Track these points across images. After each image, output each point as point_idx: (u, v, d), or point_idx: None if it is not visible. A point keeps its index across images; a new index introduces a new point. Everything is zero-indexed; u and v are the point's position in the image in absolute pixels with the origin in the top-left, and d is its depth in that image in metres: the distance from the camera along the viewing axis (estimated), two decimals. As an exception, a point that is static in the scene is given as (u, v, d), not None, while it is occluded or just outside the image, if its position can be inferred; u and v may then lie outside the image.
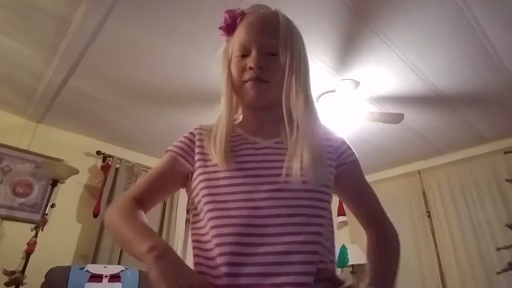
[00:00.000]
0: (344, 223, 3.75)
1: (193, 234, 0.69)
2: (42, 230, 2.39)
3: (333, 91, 2.26)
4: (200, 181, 0.67)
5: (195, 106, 2.46)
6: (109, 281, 2.19)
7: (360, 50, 1.96)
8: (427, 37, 1.85)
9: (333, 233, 0.69)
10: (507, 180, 2.53)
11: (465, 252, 2.78)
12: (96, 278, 2.16)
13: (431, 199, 3.16)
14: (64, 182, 2.67)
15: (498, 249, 2.37)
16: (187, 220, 3.09)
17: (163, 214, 3.11)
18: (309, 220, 0.61)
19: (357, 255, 3.28)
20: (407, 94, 2.34)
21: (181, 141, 0.75)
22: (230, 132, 0.71)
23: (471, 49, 1.93)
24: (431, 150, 3.15)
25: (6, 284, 2.08)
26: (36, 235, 2.34)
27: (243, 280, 0.55)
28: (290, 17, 0.77)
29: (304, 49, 0.76)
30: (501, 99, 2.36)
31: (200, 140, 0.73)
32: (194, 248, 0.67)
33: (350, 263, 3.22)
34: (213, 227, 0.61)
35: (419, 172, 3.31)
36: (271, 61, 0.70)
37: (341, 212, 3.72)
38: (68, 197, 2.79)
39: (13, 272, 2.13)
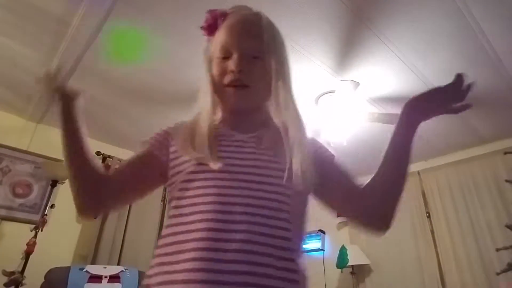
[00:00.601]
0: (344, 224, 3.75)
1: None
2: (41, 230, 2.39)
3: (333, 91, 2.27)
4: (173, 175, 0.67)
5: (194, 106, 2.46)
6: (108, 282, 2.19)
7: (360, 50, 1.97)
8: (426, 37, 1.85)
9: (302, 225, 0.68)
10: (506, 181, 2.53)
11: (464, 252, 2.78)
12: (96, 278, 2.16)
13: (430, 200, 3.16)
14: (64, 183, 2.67)
15: (497, 249, 2.37)
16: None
17: (162, 215, 3.11)
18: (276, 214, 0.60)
19: (357, 255, 3.28)
20: (407, 95, 2.32)
21: (157, 134, 0.76)
22: (208, 127, 0.71)
23: (471, 50, 1.93)
24: (430, 151, 3.15)
25: (5, 284, 2.08)
26: (35, 236, 2.34)
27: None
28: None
29: (287, 52, 0.76)
30: (501, 100, 2.36)
31: (174, 137, 0.73)
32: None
33: (349, 263, 3.22)
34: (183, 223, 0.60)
35: (418, 172, 3.31)
36: (252, 64, 0.69)
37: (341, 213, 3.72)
38: (68, 197, 2.72)
39: (13, 273, 2.13)
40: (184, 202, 0.62)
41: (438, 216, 3.05)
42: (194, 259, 0.53)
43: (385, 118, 2.29)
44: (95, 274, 2.18)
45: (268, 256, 0.55)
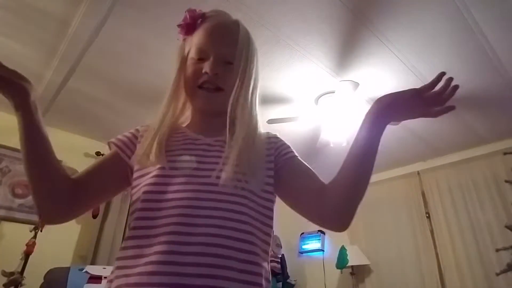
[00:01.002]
0: (344, 224, 3.74)
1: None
2: (41, 231, 2.39)
3: (333, 92, 2.27)
4: (135, 178, 0.67)
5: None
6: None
7: (360, 51, 1.97)
8: (426, 38, 1.85)
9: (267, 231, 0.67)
10: (506, 181, 2.53)
11: (464, 253, 2.78)
12: (95, 279, 2.15)
13: (430, 200, 3.16)
14: (63, 183, 2.67)
15: (497, 250, 2.37)
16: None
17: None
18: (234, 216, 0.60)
19: (357, 256, 3.28)
20: (406, 95, 2.34)
21: (124, 135, 0.76)
22: (172, 129, 0.71)
23: (470, 51, 1.93)
24: (430, 151, 3.16)
25: (5, 285, 2.08)
26: (35, 236, 2.34)
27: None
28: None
29: (256, 63, 0.77)
30: (500, 100, 2.36)
31: (142, 137, 0.72)
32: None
33: (349, 264, 3.22)
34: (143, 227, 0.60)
35: (418, 173, 3.31)
36: (226, 69, 0.70)
37: (340, 213, 3.72)
38: (67, 198, 2.78)
39: (12, 273, 2.13)
40: (149, 205, 0.61)
41: (438, 217, 3.05)
42: (152, 263, 0.54)
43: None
44: (94, 275, 2.18)
45: (230, 259, 0.55)
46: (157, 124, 0.70)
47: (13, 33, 1.90)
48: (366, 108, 2.78)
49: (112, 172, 0.72)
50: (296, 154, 0.77)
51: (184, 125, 0.78)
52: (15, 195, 2.57)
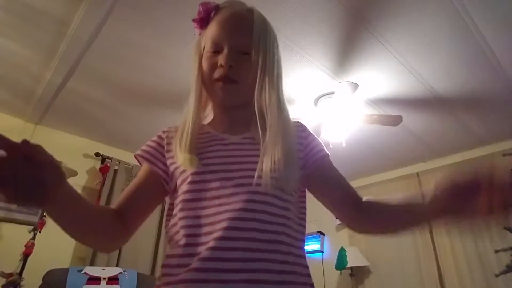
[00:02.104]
0: (343, 225, 3.74)
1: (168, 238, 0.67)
2: (40, 232, 2.39)
3: (332, 93, 2.27)
4: (175, 185, 0.66)
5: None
6: (107, 284, 2.18)
7: (359, 52, 1.97)
8: (425, 39, 1.86)
9: (303, 220, 0.69)
10: (505, 182, 2.52)
11: (463, 254, 2.78)
12: (94, 280, 2.15)
13: (429, 201, 3.16)
14: (63, 184, 2.67)
15: (496, 251, 2.37)
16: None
17: (161, 217, 3.11)
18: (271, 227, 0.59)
19: (356, 257, 3.28)
20: (406, 97, 2.35)
21: (149, 146, 0.73)
22: (197, 130, 0.69)
23: (469, 52, 1.94)
24: (429, 153, 3.16)
25: (3, 286, 2.07)
26: (34, 237, 2.34)
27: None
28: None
29: (278, 50, 0.74)
30: (499, 102, 2.37)
31: (168, 144, 0.70)
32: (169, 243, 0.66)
33: (348, 265, 3.22)
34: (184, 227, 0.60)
35: (417, 174, 3.32)
36: (242, 60, 0.67)
37: (340, 214, 3.72)
38: (67, 199, 2.78)
39: (11, 274, 2.12)
40: (189, 213, 0.61)
41: (437, 218, 3.05)
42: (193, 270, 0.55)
43: (384, 120, 2.29)
44: (93, 276, 2.17)
45: (267, 261, 0.56)
46: (187, 125, 0.67)
47: (12, 34, 1.90)
48: (365, 109, 2.76)
49: (151, 190, 0.70)
50: (326, 151, 0.74)
51: (206, 122, 0.76)
52: (14, 196, 2.57)
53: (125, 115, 2.67)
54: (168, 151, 0.70)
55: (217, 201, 0.59)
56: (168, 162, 0.69)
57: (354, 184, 3.09)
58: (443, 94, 2.30)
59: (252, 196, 0.59)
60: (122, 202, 0.68)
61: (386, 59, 2.01)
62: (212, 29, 0.71)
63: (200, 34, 0.75)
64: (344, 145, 2.51)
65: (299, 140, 0.72)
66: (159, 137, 0.74)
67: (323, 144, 0.76)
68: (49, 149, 0.43)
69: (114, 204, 0.67)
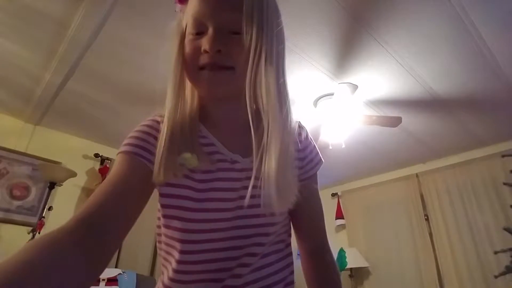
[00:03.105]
0: (342, 227, 3.75)
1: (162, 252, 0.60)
2: (39, 233, 2.38)
3: (331, 94, 2.27)
4: (164, 195, 0.56)
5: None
6: (106, 285, 2.17)
7: (358, 54, 1.97)
8: (424, 41, 1.86)
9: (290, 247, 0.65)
10: (504, 183, 2.53)
11: (463, 255, 2.78)
12: (93, 281, 2.15)
13: (429, 203, 3.16)
14: (62, 185, 2.67)
15: (495, 252, 2.37)
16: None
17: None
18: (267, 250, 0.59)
19: (355, 258, 3.28)
20: (405, 98, 2.35)
21: (139, 138, 0.57)
22: (192, 131, 0.56)
23: (468, 53, 1.94)
24: (429, 154, 3.16)
25: None
26: (33, 238, 2.33)
27: None
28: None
29: (278, 25, 0.57)
30: (498, 103, 2.37)
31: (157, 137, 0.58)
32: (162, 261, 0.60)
33: (348, 266, 3.22)
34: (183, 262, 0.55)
35: (417, 175, 3.32)
36: (233, 41, 0.53)
37: (339, 215, 3.72)
38: (66, 200, 2.78)
39: (10, 276, 2.11)
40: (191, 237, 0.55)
41: (437, 219, 3.05)
42: None
43: (383, 121, 2.30)
44: (92, 277, 2.17)
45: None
46: (166, 125, 0.55)
47: (12, 35, 1.90)
48: (364, 110, 2.77)
49: (138, 187, 0.52)
50: (321, 160, 0.68)
51: (191, 116, 0.60)
52: (13, 197, 2.56)
53: (124, 116, 2.67)
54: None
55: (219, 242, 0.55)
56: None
57: (354, 185, 3.10)
58: (442, 96, 2.31)
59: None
60: (94, 208, 0.47)
61: (385, 60, 2.01)
62: (193, 4, 0.56)
63: (181, 10, 0.60)
64: (343, 146, 2.52)
65: (297, 147, 0.63)
66: (150, 127, 0.60)
67: (319, 152, 0.69)
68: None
69: (79, 213, 0.45)
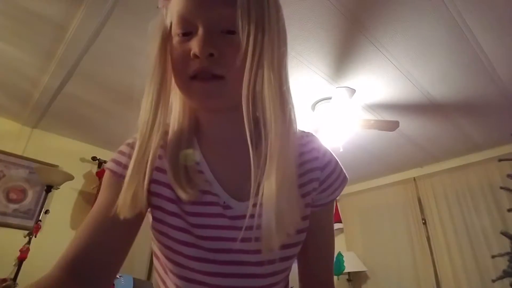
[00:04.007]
0: (340, 230, 3.74)
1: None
2: (35, 236, 2.37)
3: (329, 98, 2.28)
4: (154, 227, 0.50)
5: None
6: (102, 289, 2.16)
7: (356, 58, 1.98)
8: (422, 46, 1.87)
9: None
10: (501, 187, 2.54)
11: (460, 259, 2.78)
12: (90, 285, 2.13)
13: (426, 207, 3.17)
14: (59, 188, 2.65)
15: (493, 256, 2.37)
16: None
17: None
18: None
19: (353, 262, 3.27)
20: (402, 102, 2.37)
21: (122, 156, 0.53)
22: (184, 150, 0.49)
23: (465, 58, 1.95)
24: (426, 158, 3.17)
25: (-3, 292, 2.05)
26: (29, 242, 2.31)
27: None
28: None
29: (279, 19, 0.49)
30: (495, 107, 2.39)
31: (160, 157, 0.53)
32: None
33: (346, 270, 3.21)
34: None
35: (414, 179, 3.33)
36: (227, 42, 0.45)
37: (337, 219, 3.72)
38: (63, 203, 2.77)
39: (5, 280, 2.10)
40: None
41: (434, 223, 3.05)
42: None
43: (381, 125, 2.30)
44: (89, 281, 2.15)
45: None
46: (140, 147, 0.48)
47: (10, 38, 1.90)
48: (362, 114, 2.79)
49: (129, 220, 0.46)
50: (346, 181, 0.58)
51: (186, 124, 0.53)
52: (9, 200, 2.55)
53: (122, 119, 2.67)
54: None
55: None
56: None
57: (351, 189, 3.09)
58: (439, 100, 2.32)
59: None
60: (80, 252, 0.44)
61: (383, 65, 2.02)
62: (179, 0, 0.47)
63: (164, 6, 0.51)
64: (341, 150, 2.52)
65: (309, 166, 0.54)
66: (129, 146, 0.55)
67: (340, 178, 0.57)
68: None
69: (64, 259, 0.45)
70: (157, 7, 0.52)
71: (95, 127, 2.82)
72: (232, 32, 0.45)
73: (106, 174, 0.52)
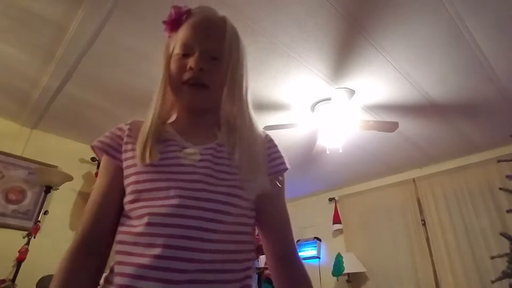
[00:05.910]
0: (340, 231, 3.74)
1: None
2: (34, 237, 2.36)
3: (329, 99, 2.28)
4: (125, 177, 0.64)
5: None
6: None
7: (356, 59, 1.99)
8: (421, 47, 1.88)
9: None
10: (500, 188, 2.54)
11: (460, 260, 2.78)
12: (89, 286, 2.13)
13: (426, 208, 3.17)
14: (58, 189, 2.65)
15: (492, 257, 2.37)
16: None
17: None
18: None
19: (353, 263, 3.27)
20: (402, 103, 2.37)
21: (108, 137, 0.72)
22: (158, 130, 0.68)
23: (464, 60, 1.96)
24: (425, 159, 3.18)
25: (-4, 293, 2.04)
26: (28, 243, 2.31)
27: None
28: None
29: (245, 60, 0.74)
30: (494, 108, 2.39)
31: (129, 136, 0.70)
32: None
33: (345, 271, 3.21)
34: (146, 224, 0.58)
35: (413, 180, 3.33)
36: (212, 65, 0.67)
37: (336, 220, 3.72)
38: (62, 204, 2.76)
39: (3, 281, 2.09)
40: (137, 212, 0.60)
41: (433, 224, 3.06)
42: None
43: (380, 126, 2.31)
44: (88, 282, 2.15)
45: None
46: (147, 123, 0.68)
47: (10, 38, 1.90)
48: (361, 115, 2.79)
49: (122, 190, 0.65)
50: (287, 165, 0.74)
51: (169, 121, 0.75)
52: (8, 201, 2.54)
53: (121, 120, 2.64)
54: (127, 143, 0.68)
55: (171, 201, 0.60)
56: (124, 155, 0.67)
57: (351, 189, 3.10)
58: (438, 101, 2.33)
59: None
60: (90, 227, 0.64)
61: (382, 66, 2.03)
62: (184, 31, 0.71)
63: (169, 36, 0.76)
64: (340, 150, 2.52)
65: (268, 152, 0.73)
66: (120, 129, 0.73)
67: (285, 159, 0.75)
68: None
69: (79, 234, 0.64)
70: (163, 37, 0.78)
71: (94, 128, 2.81)
72: (216, 58, 0.68)
73: (96, 152, 0.71)
